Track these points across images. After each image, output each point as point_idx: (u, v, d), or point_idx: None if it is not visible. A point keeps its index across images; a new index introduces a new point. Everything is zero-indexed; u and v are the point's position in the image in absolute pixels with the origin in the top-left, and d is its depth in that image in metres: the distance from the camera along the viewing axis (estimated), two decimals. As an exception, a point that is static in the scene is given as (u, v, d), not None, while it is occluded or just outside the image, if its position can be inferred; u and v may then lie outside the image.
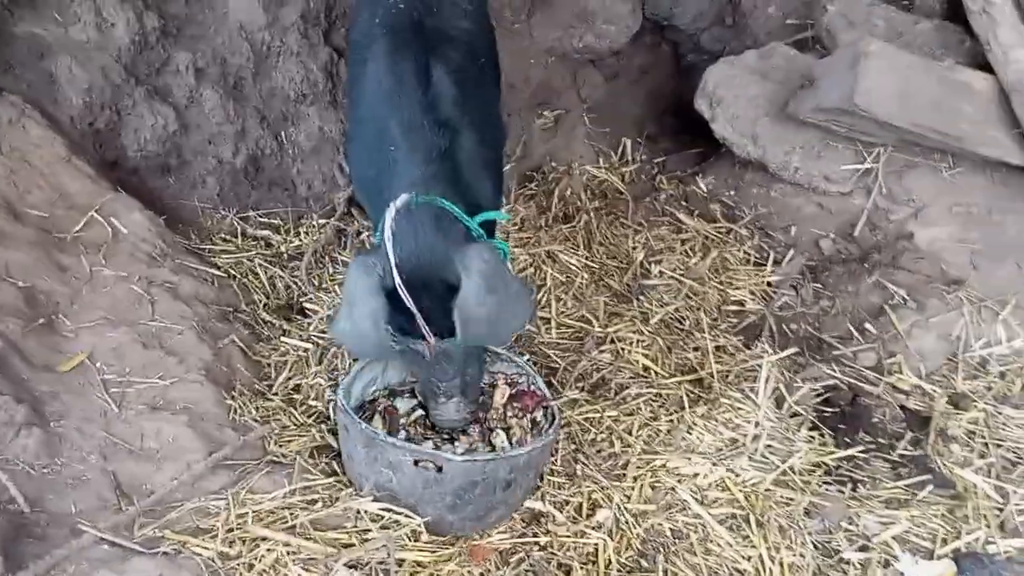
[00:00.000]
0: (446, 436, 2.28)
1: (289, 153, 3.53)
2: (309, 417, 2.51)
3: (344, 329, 2.11)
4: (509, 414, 2.36)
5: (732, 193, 3.47)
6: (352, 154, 2.62)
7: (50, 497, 2.03)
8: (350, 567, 1.97)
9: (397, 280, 1.97)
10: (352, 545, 2.03)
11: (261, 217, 3.42)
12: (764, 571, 2.21)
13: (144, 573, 1.86)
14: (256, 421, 2.43)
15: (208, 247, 3.19)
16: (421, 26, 2.35)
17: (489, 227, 2.28)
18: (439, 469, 2.03)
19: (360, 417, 2.21)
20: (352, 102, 2.51)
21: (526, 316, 2.15)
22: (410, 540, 2.09)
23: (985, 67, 2.93)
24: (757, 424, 2.49)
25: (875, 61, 2.76)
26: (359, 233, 3.37)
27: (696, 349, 2.84)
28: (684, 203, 3.50)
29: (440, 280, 1.98)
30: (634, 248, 3.25)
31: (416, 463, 2.04)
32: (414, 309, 1.99)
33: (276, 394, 2.60)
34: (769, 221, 3.33)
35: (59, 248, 2.73)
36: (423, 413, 2.35)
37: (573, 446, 2.48)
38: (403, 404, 2.37)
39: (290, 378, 2.66)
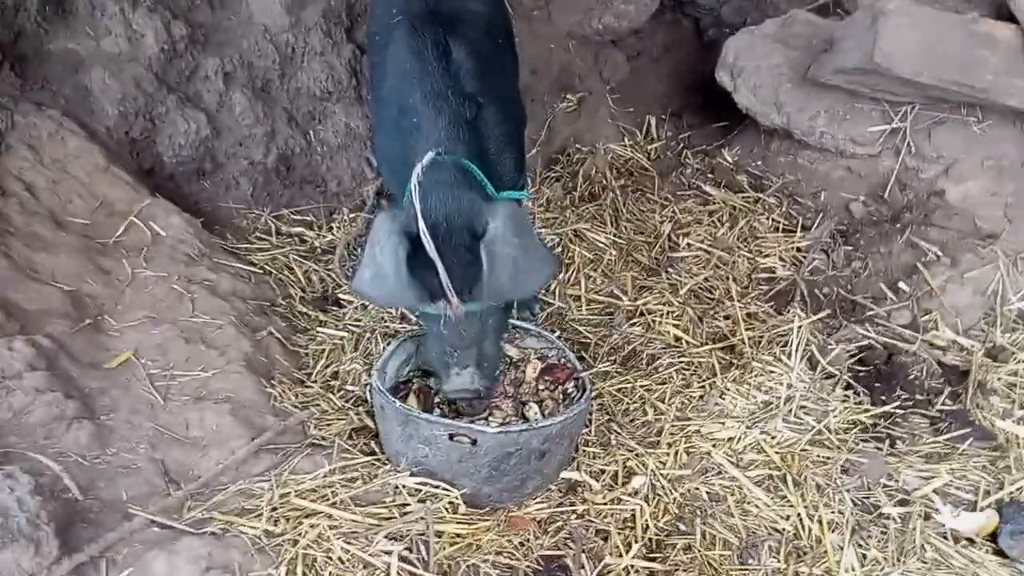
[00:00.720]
0: (480, 417, 2.29)
1: (318, 151, 3.60)
2: (347, 401, 2.56)
3: (368, 278, 2.05)
4: (541, 387, 2.39)
5: (759, 163, 3.46)
6: (378, 134, 2.65)
7: (101, 485, 2.11)
8: (391, 539, 2.02)
9: (422, 226, 1.94)
10: (392, 518, 2.08)
11: (294, 215, 3.50)
12: (803, 529, 2.21)
13: (194, 551, 1.92)
14: (296, 407, 2.49)
15: (244, 246, 3.28)
16: (438, 11, 2.39)
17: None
18: (473, 442, 2.07)
19: (396, 397, 2.26)
20: (375, 87, 2.55)
21: (549, 270, 2.14)
22: (448, 512, 2.14)
23: (1010, 18, 2.87)
24: (790, 386, 2.49)
25: (894, 18, 2.73)
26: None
27: (727, 317, 2.84)
28: (710, 175, 3.50)
29: (465, 230, 1.98)
30: (661, 222, 3.26)
31: (451, 437, 2.08)
32: (437, 259, 1.95)
33: (315, 381, 2.66)
34: (797, 188, 3.32)
35: (101, 253, 2.84)
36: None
37: (606, 416, 2.51)
38: (436, 383, 2.41)
39: (328, 365, 2.72)
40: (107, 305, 2.67)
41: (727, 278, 2.99)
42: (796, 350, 2.59)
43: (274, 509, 2.10)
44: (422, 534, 2.05)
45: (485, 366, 2.14)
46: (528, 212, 3.28)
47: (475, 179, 2.10)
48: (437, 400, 2.32)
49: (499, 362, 2.26)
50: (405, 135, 2.25)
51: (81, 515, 1.98)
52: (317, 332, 2.89)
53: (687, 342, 2.76)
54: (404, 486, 2.16)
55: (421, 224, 1.95)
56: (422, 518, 2.06)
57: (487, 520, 2.18)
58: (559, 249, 3.17)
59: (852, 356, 2.68)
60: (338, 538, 2.01)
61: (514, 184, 2.40)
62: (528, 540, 2.19)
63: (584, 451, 2.41)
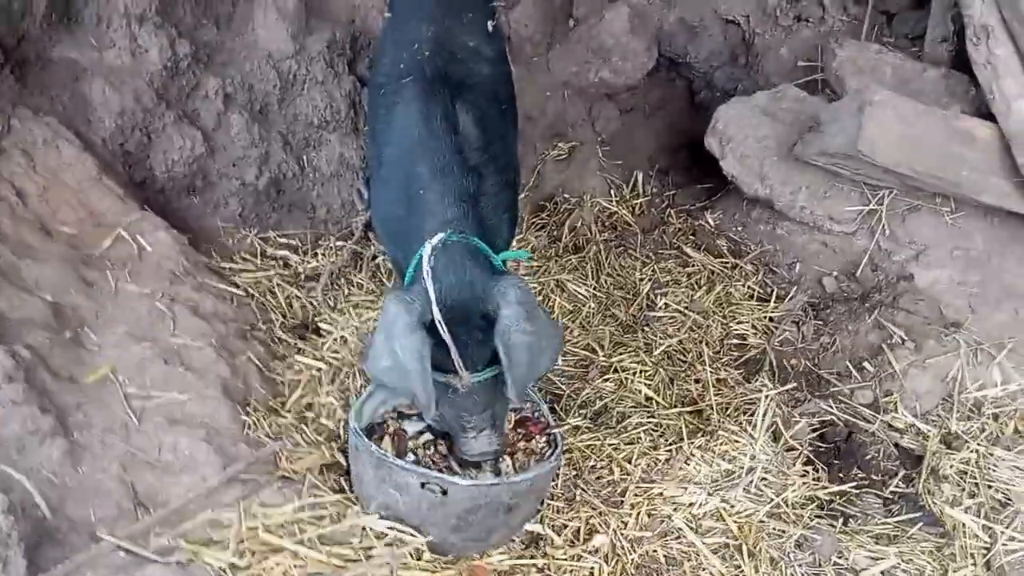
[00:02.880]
0: (452, 461, 2.34)
1: (310, 177, 3.65)
2: (320, 435, 2.59)
3: (385, 367, 2.14)
4: (514, 439, 2.44)
5: (739, 229, 3.56)
6: (378, 194, 2.68)
7: (71, 504, 2.12)
8: (354, 582, 2.05)
9: (436, 314, 2.05)
10: (357, 560, 2.12)
11: (280, 237, 3.53)
12: (755, 602, 2.28)
13: (159, 580, 1.94)
14: (269, 437, 2.52)
15: (228, 266, 3.30)
16: (448, 74, 2.46)
17: (505, 265, 2.38)
18: (444, 492, 2.12)
19: (370, 439, 2.30)
20: (377, 143, 2.59)
21: (559, 348, 2.23)
22: (413, 558, 2.17)
23: (989, 116, 3.01)
24: (753, 457, 2.57)
25: (879, 109, 2.85)
26: (375, 257, 3.48)
27: (698, 381, 2.92)
28: (692, 237, 3.60)
29: (477, 312, 2.07)
30: (641, 280, 3.34)
31: (423, 485, 2.12)
32: (450, 342, 2.06)
33: (289, 411, 2.68)
34: (774, 258, 3.42)
35: (87, 264, 2.83)
36: (431, 437, 2.43)
37: (574, 472, 2.57)
38: (411, 427, 2.45)
39: (303, 396, 2.75)
40: (88, 318, 2.67)
41: (700, 341, 3.08)
42: (762, 422, 2.67)
43: (241, 542, 2.12)
44: (386, 579, 2.09)
45: (498, 424, 2.23)
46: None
47: (482, 257, 2.18)
48: (411, 445, 2.36)
49: (506, 414, 2.33)
50: (409, 204, 2.32)
51: (49, 534, 1.99)
52: (295, 360, 2.91)
53: (657, 402, 2.83)
54: (372, 528, 2.20)
55: (436, 313, 2.04)
56: (387, 563, 2.10)
57: (450, 568, 2.22)
58: (540, 297, 3.24)
59: (814, 430, 2.76)
60: (303, 576, 2.04)
61: (508, 243, 2.48)
62: (488, 591, 2.23)
63: (549, 504, 2.46)
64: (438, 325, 2.05)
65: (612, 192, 3.89)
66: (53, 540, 1.98)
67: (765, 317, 3.19)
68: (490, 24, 2.76)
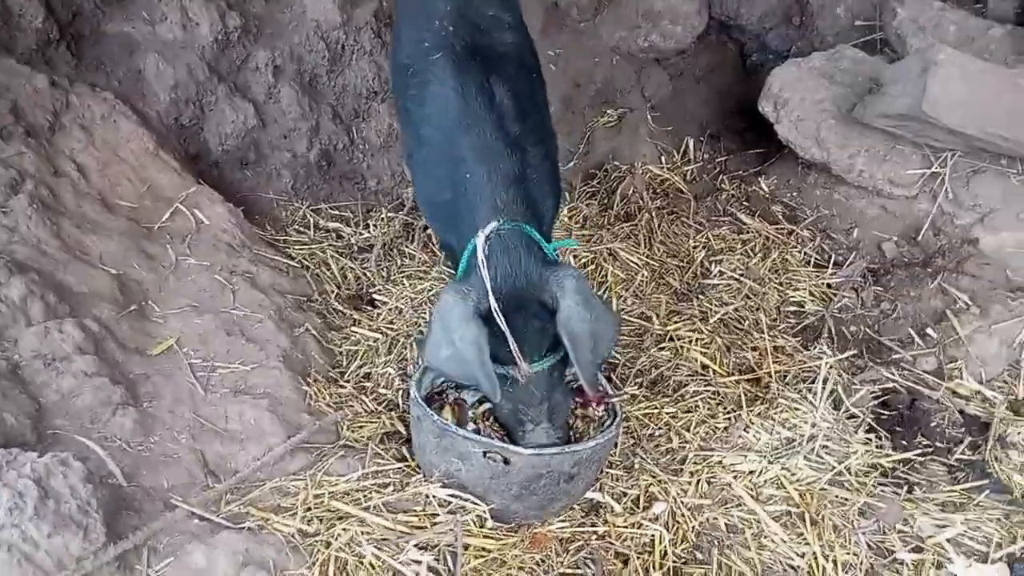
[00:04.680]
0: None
1: (360, 148, 3.66)
2: (380, 404, 2.63)
3: (445, 357, 2.14)
4: (572, 407, 2.44)
5: (794, 194, 3.50)
6: (419, 177, 2.66)
7: (144, 473, 2.17)
8: (420, 548, 2.08)
9: (493, 305, 2.05)
10: (423, 528, 2.15)
11: (332, 209, 3.56)
12: (817, 568, 2.26)
13: (231, 546, 1.98)
14: (330, 407, 2.56)
15: (283, 238, 3.34)
16: (475, 46, 2.41)
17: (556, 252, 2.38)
18: (506, 461, 2.13)
19: (429, 407, 2.32)
20: (412, 124, 2.55)
21: (617, 334, 2.23)
22: (476, 526, 2.20)
23: (1057, 73, 2.91)
24: (814, 425, 2.54)
25: (944, 69, 2.76)
26: (426, 227, 3.48)
27: (755, 349, 2.89)
28: (746, 203, 3.54)
29: (534, 302, 2.07)
30: (695, 247, 3.31)
31: (485, 454, 2.14)
32: (508, 332, 2.06)
33: (348, 381, 2.72)
34: (831, 223, 3.35)
35: (147, 238, 2.90)
36: (490, 406, 2.44)
37: (632, 440, 2.57)
38: (470, 396, 2.47)
39: (361, 366, 2.79)
40: (151, 291, 2.73)
41: (757, 309, 3.04)
42: (822, 389, 2.64)
43: (308, 509, 2.16)
44: (450, 545, 2.11)
45: (556, 416, 2.24)
46: (566, 227, 3.34)
47: (536, 245, 2.17)
48: (471, 415, 2.38)
49: (568, 405, 2.32)
50: (456, 188, 2.29)
51: (126, 502, 2.05)
52: (352, 331, 2.95)
53: (714, 371, 2.80)
54: (435, 496, 2.22)
55: (493, 303, 2.05)
56: (451, 530, 2.12)
57: (512, 536, 2.24)
58: (592, 266, 3.22)
59: (876, 398, 2.72)
60: (370, 543, 2.08)
61: (553, 217, 2.47)
62: (549, 557, 2.25)
63: (608, 473, 2.47)
64: (495, 315, 2.05)
65: (663, 159, 3.84)
66: (130, 507, 2.03)
67: (823, 284, 3.14)
68: None
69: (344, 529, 2.10)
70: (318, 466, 2.31)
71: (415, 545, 2.08)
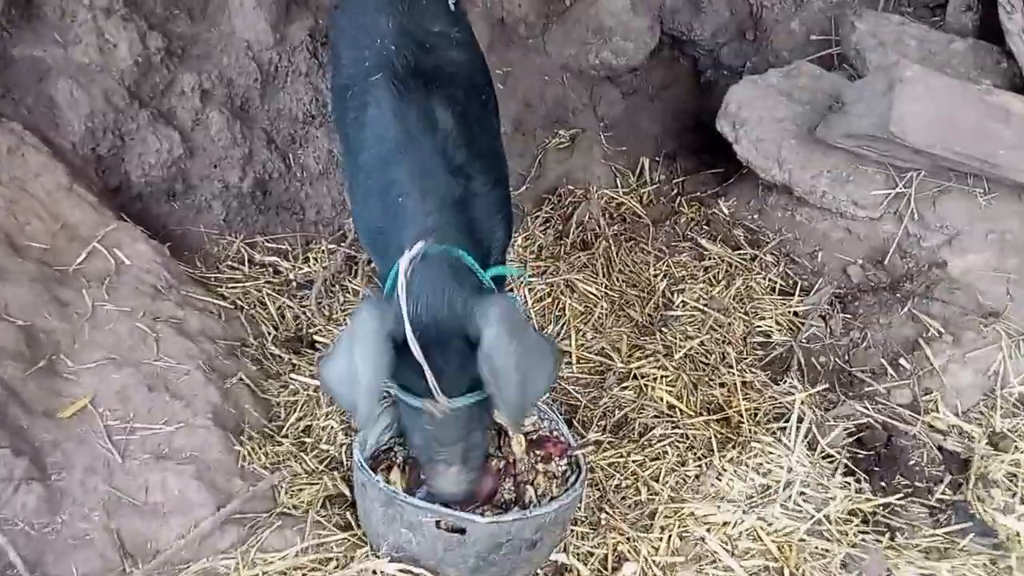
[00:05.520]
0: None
1: (297, 176, 3.43)
2: (321, 463, 2.40)
3: (336, 373, 1.91)
4: (532, 463, 2.25)
5: (755, 217, 3.36)
6: (357, 205, 2.47)
7: (50, 559, 1.93)
8: (368, 636, 1.87)
9: (409, 333, 1.84)
10: (369, 611, 1.93)
11: (269, 242, 3.32)
12: (800, 630, 2.11)
13: (150, 647, 1.75)
14: (266, 468, 2.33)
15: (214, 275, 3.10)
16: (419, 66, 2.23)
17: (499, 280, 2.17)
18: (461, 531, 1.93)
19: (376, 468, 2.11)
20: (351, 150, 2.36)
21: (554, 365, 2.01)
22: (430, 604, 1.99)
23: (1023, 89, 2.81)
24: (790, 469, 2.38)
25: (911, 87, 2.64)
26: (370, 261, 3.26)
27: (723, 385, 2.73)
28: (706, 227, 3.39)
29: (456, 334, 1.86)
30: (655, 276, 3.14)
31: (438, 524, 1.93)
32: (424, 364, 1.85)
33: (286, 436, 2.49)
34: (794, 247, 3.22)
35: (60, 282, 2.63)
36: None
37: (598, 493, 2.38)
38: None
39: (301, 419, 2.56)
40: (64, 343, 2.47)
41: (723, 341, 2.88)
42: (796, 429, 2.49)
43: (240, 594, 1.93)
44: (401, 630, 1.90)
45: (472, 457, 2.02)
46: (520, 259, 3.15)
47: (467, 271, 1.96)
48: (423, 477, 2.16)
49: (485, 448, 2.12)
50: (389, 212, 2.10)
51: (26, 599, 1.80)
52: (290, 379, 2.72)
53: (681, 411, 2.64)
54: (383, 572, 2.00)
55: (408, 330, 1.82)
56: (402, 612, 1.91)
57: (470, 611, 2.03)
58: (549, 299, 3.03)
59: (850, 435, 2.58)
60: (310, 633, 1.85)
61: (503, 250, 2.27)
62: (512, 632, 2.05)
63: (573, 529, 2.28)
64: (411, 345, 1.83)
65: (618, 181, 3.67)
66: (31, 605, 1.78)
67: (790, 312, 3.00)
68: (451, 2, 2.52)
69: (281, 618, 1.87)
70: (251, 541, 2.08)
71: (362, 633, 1.87)
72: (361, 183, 2.29)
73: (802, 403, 2.58)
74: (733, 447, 2.48)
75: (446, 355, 1.86)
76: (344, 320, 2.99)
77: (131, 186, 3.14)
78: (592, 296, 3.05)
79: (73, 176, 2.90)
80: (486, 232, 2.12)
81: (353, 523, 2.20)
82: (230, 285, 3.08)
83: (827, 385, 2.72)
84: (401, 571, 2.00)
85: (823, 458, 2.47)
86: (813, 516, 2.31)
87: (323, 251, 3.30)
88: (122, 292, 2.69)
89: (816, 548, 2.26)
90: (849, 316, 2.93)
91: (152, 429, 2.30)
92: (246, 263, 3.21)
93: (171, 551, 2.01)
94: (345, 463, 2.39)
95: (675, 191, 3.69)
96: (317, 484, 2.31)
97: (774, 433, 2.50)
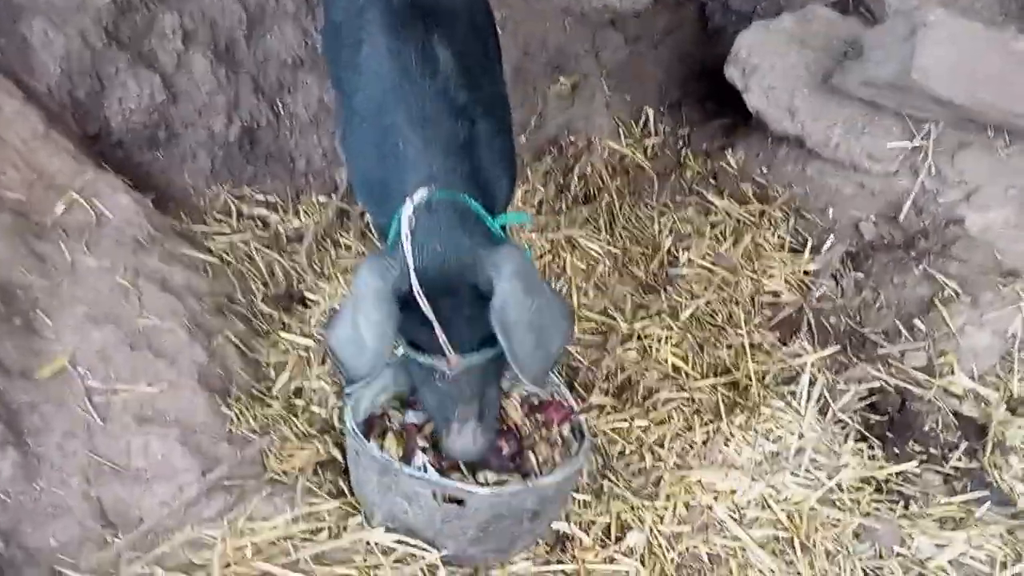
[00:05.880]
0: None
1: (286, 124, 3.27)
2: (312, 426, 2.30)
3: (343, 338, 1.81)
4: (532, 429, 2.14)
5: (764, 170, 3.22)
6: (353, 153, 2.32)
7: (27, 530, 1.83)
8: (361, 611, 1.78)
9: (415, 286, 1.73)
10: (363, 584, 1.84)
11: (257, 194, 3.18)
12: (811, 602, 2.03)
13: (132, 622, 1.67)
14: (254, 432, 2.22)
15: (200, 229, 2.96)
16: (416, 2, 2.07)
17: (503, 229, 2.04)
18: (460, 502, 1.83)
19: (369, 434, 2.00)
20: (344, 92, 2.21)
21: (569, 328, 1.89)
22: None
23: (1049, 36, 2.66)
24: (801, 435, 2.29)
25: (935, 32, 2.50)
26: (363, 213, 3.13)
27: (730, 347, 2.63)
28: (713, 181, 3.26)
29: (467, 286, 1.74)
30: (660, 232, 3.01)
31: (435, 495, 1.83)
32: (434, 320, 1.74)
33: (276, 398, 2.38)
34: (804, 202, 3.09)
35: (37, 235, 2.50)
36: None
37: (600, 459, 2.29)
38: (417, 416, 2.15)
39: (291, 380, 2.44)
40: (41, 300, 2.34)
41: (730, 301, 2.77)
42: (807, 393, 2.39)
43: (227, 566, 1.84)
44: (397, 603, 1.82)
45: (489, 415, 1.92)
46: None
47: (475, 220, 1.84)
48: (422, 444, 2.06)
49: (499, 403, 2.01)
50: (387, 158, 1.95)
51: (3, 571, 1.70)
52: (280, 337, 2.60)
53: (687, 373, 2.53)
54: (377, 544, 1.91)
55: (415, 284, 1.71)
56: (398, 586, 1.82)
57: (468, 583, 1.95)
58: (549, 256, 2.91)
59: (862, 399, 2.49)
60: (301, 607, 1.77)
61: (508, 200, 2.14)
62: (512, 604, 1.97)
63: (574, 498, 2.19)
64: (418, 299, 1.73)
65: (621, 132, 3.52)
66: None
67: (799, 270, 2.88)
68: None
69: (270, 590, 1.78)
70: (239, 508, 1.98)
71: (355, 607, 1.78)
72: (356, 128, 2.14)
73: (813, 366, 2.48)
74: (741, 411, 2.38)
75: (457, 309, 1.75)
76: (336, 276, 2.86)
77: (111, 133, 2.99)
78: (594, 253, 2.93)
79: (49, 122, 2.74)
80: (491, 181, 1.98)
81: (346, 490, 2.10)
82: (217, 239, 2.94)
83: (839, 347, 2.61)
84: (397, 542, 1.91)
85: (835, 423, 2.39)
86: (824, 484, 2.23)
87: (314, 203, 3.16)
88: (103, 245, 2.55)
89: (828, 517, 2.19)
90: (862, 275, 2.82)
91: (134, 390, 2.19)
92: (233, 216, 3.07)
93: (154, 519, 1.91)
94: (338, 427, 2.29)
95: (680, 143, 3.54)
96: (308, 449, 2.20)
97: (784, 397, 2.41)
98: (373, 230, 2.88)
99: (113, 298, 2.41)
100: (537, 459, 2.05)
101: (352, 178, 2.50)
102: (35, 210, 2.56)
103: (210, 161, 3.16)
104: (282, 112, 3.24)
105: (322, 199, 3.17)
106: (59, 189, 2.65)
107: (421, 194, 1.80)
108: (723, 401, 2.41)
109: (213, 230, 2.98)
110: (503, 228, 2.03)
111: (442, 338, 1.77)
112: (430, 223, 1.78)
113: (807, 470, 2.25)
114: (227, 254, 2.88)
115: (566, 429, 2.14)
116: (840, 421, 2.40)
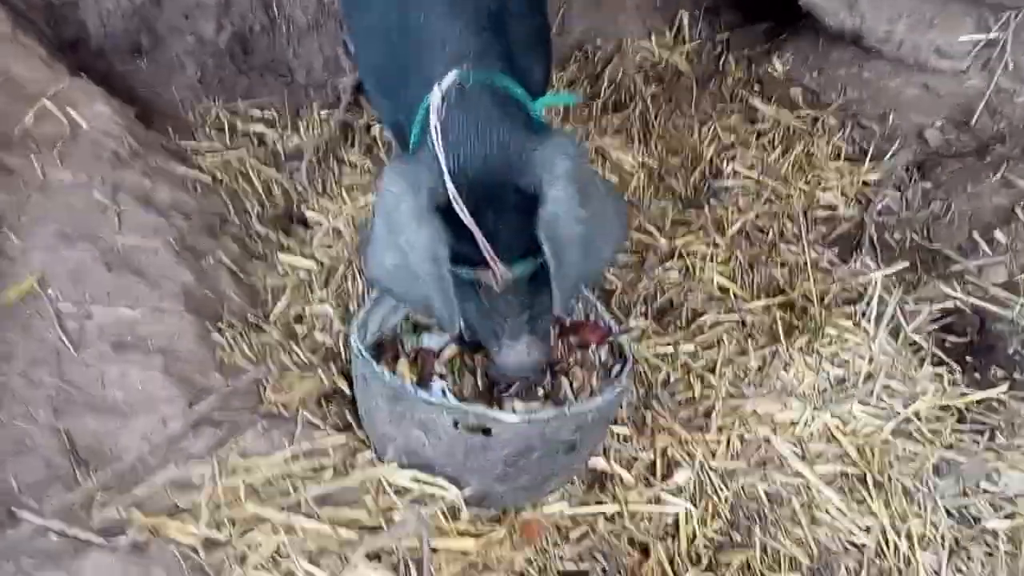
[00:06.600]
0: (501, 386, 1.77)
1: (283, 31, 2.96)
2: (314, 354, 2.03)
3: (390, 268, 1.55)
4: (565, 352, 1.87)
5: (815, 75, 2.92)
6: (362, 37, 2.02)
7: (-15, 467, 1.58)
8: (372, 558, 1.53)
9: (452, 192, 1.45)
10: (375, 528, 1.59)
11: (252, 108, 2.89)
12: (887, 546, 1.77)
13: (103, 573, 1.41)
14: (249, 361, 1.96)
15: (189, 145, 2.68)
16: None
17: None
18: (486, 431, 1.56)
19: (380, 360, 1.73)
20: None
21: (623, 234, 1.61)
22: (448, 519, 1.64)
23: None
24: (871, 359, 2.01)
25: None
26: (369, 127, 2.84)
27: (783, 264, 2.34)
28: (757, 87, 2.95)
29: (511, 186, 1.47)
30: (701, 142, 2.71)
31: (456, 423, 1.57)
32: (476, 230, 1.47)
33: (274, 324, 2.12)
34: (862, 108, 2.79)
35: (3, 146, 2.24)
36: (457, 349, 1.86)
37: (641, 388, 2.02)
38: (433, 340, 1.88)
39: (290, 305, 2.18)
40: (8, 216, 2.08)
41: (782, 215, 2.48)
42: (876, 312, 2.11)
43: (216, 508, 1.59)
44: (414, 550, 1.56)
45: (541, 324, 1.65)
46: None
47: (516, 105, 1.54)
48: (439, 368, 1.78)
49: (550, 312, 1.71)
50: (406, 37, 1.65)
51: (-51, 514, 1.46)
52: (277, 260, 2.33)
53: (736, 294, 2.25)
54: (391, 482, 1.65)
55: (451, 191, 1.44)
56: (414, 529, 1.56)
57: (495, 528, 1.69)
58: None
59: (934, 320, 2.21)
60: (302, 555, 1.51)
61: (542, 90, 1.83)
62: (545, 551, 1.71)
63: (612, 430, 1.92)
64: (456, 206, 1.46)
65: (654, 40, 3.19)
66: (-43, 521, 1.45)
67: (858, 181, 2.59)
68: None
69: (265, 537, 1.53)
70: (230, 444, 1.72)
71: (365, 554, 1.52)
72: (365, 9, 1.84)
73: (881, 284, 2.19)
74: (800, 333, 2.10)
75: (501, 214, 1.49)
76: (341, 194, 2.58)
77: (88, 38, 2.72)
78: (628, 166, 2.63)
79: (16, 23, 2.46)
80: (525, 64, 1.68)
81: (353, 423, 1.85)
82: (208, 156, 2.66)
83: (907, 264, 2.32)
84: (412, 480, 1.65)
85: (908, 346, 2.10)
86: (899, 413, 1.96)
87: (315, 118, 2.86)
88: (77, 158, 2.28)
89: (903, 451, 1.92)
90: (929, 185, 2.52)
91: (112, 313, 1.92)
92: (227, 132, 2.79)
93: (132, 456, 1.65)
94: (343, 354, 2.03)
95: (719, 50, 3.22)
96: (309, 379, 1.94)
97: (850, 317, 2.12)
98: (385, 134, 2.59)
99: (89, 215, 2.15)
100: (572, 385, 1.78)
101: (360, 64, 2.19)
102: (1, 120, 2.30)
103: (199, 71, 2.87)
104: (277, 16, 2.92)
105: (323, 112, 2.87)
106: (28, 98, 2.38)
107: (452, 77, 1.51)
108: (780, 323, 2.13)
109: (204, 147, 2.70)
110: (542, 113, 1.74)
111: (487, 249, 1.50)
112: (465, 113, 1.49)
113: (879, 398, 1.97)
114: (220, 172, 2.60)
115: (604, 352, 1.87)
116: (914, 344, 2.11)
